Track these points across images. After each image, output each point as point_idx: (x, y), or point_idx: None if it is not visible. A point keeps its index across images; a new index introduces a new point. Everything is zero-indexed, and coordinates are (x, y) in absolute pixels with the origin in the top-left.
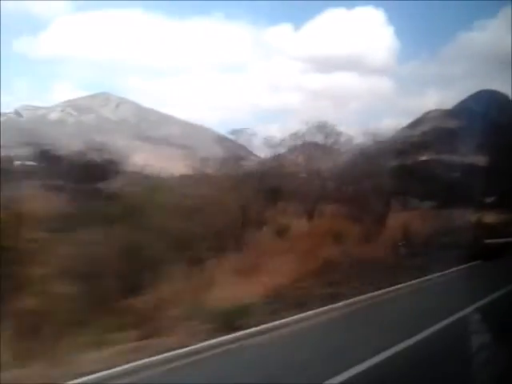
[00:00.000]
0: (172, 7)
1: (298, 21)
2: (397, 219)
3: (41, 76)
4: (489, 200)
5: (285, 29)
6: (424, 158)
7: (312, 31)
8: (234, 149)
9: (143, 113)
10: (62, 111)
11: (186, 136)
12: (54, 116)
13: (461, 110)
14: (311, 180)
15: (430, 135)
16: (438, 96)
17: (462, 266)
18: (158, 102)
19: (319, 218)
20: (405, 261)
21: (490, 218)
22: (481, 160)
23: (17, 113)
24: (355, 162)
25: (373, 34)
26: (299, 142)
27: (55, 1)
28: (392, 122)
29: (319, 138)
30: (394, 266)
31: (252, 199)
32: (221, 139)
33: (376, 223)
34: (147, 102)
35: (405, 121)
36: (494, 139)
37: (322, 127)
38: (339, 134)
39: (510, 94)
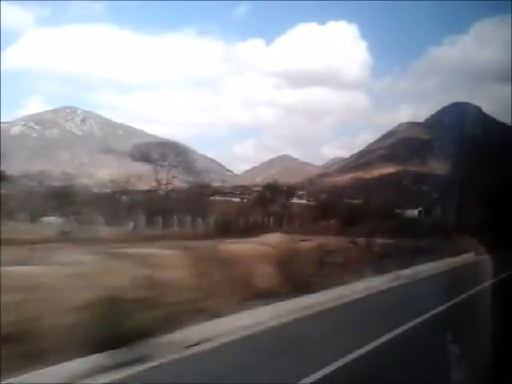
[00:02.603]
0: (143, 22)
1: (270, 36)
2: None
3: (9, 90)
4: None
5: (256, 44)
6: (391, 169)
7: (284, 46)
8: (206, 163)
9: (111, 127)
10: (25, 125)
11: (153, 150)
12: (15, 130)
13: (433, 122)
14: None
15: (400, 148)
16: (411, 110)
17: None
18: (128, 117)
19: None
20: None
21: None
22: (450, 171)
23: None
24: None
25: (346, 49)
26: None
27: (24, 14)
28: (367, 136)
29: None
30: None
31: None
32: (192, 154)
33: None
34: (117, 117)
35: (379, 135)
36: (467, 150)
37: None
38: None
39: (481, 106)
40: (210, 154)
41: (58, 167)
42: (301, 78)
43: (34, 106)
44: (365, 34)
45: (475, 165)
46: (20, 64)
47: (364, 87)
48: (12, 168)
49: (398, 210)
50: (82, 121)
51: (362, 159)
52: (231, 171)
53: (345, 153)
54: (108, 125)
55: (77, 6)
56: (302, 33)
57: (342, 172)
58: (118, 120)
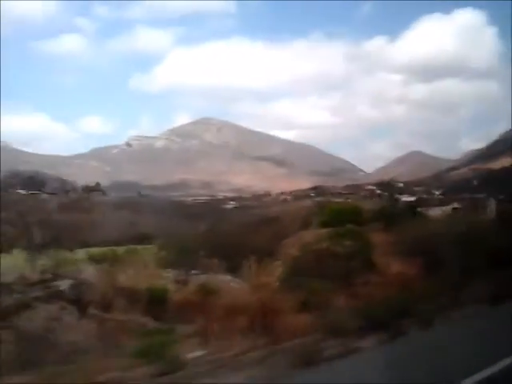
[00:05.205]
0: (272, 32)
1: (395, 31)
2: None
3: (157, 107)
4: None
5: (382, 41)
6: None
7: (409, 41)
8: (339, 164)
9: (244, 135)
10: (167, 139)
11: (288, 154)
12: (159, 144)
13: None
14: None
15: None
16: None
17: None
18: (265, 125)
19: None
20: None
21: None
22: None
23: (127, 144)
24: None
25: (474, 37)
26: None
27: (164, 35)
28: (503, 125)
29: None
30: None
31: None
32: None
33: None
34: (255, 125)
35: None
36: None
37: None
38: None
39: None
40: (343, 154)
41: (197, 176)
42: (429, 71)
43: (179, 120)
44: (492, 19)
45: None
46: (165, 83)
47: (496, 75)
48: (157, 178)
49: None
50: (218, 131)
51: (492, 150)
52: (363, 170)
53: (481, 145)
54: (243, 133)
55: (209, 22)
56: (426, 25)
57: (469, 164)
58: (256, 128)
